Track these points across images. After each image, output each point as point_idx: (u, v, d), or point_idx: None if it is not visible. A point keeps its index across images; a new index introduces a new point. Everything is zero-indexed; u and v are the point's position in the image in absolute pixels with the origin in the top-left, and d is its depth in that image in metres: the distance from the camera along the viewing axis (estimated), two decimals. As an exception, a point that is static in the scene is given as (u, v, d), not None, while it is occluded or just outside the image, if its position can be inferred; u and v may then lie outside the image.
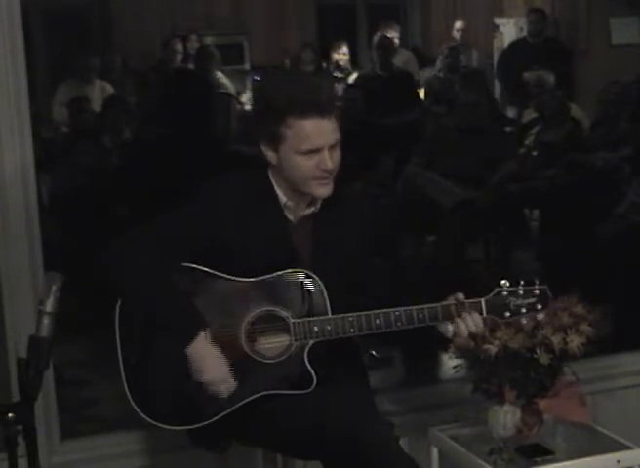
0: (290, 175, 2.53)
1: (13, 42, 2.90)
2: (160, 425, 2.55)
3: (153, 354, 2.55)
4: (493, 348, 2.75)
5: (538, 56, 7.58)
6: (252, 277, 2.53)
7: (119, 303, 2.54)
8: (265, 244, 2.54)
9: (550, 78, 7.07)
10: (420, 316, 2.54)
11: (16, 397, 2.19)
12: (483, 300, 2.58)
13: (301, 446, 2.51)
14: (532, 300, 2.60)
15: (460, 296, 2.57)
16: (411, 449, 2.58)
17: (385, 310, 2.53)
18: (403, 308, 2.54)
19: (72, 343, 4.43)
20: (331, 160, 2.49)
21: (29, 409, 2.09)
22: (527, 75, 7.39)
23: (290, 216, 2.60)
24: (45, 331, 2.14)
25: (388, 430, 2.50)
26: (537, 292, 2.60)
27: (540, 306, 2.60)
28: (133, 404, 2.54)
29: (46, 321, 2.14)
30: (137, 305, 2.53)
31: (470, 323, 2.55)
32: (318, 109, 2.45)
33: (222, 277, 2.53)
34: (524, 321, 2.62)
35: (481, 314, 2.57)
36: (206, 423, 2.52)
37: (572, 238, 5.41)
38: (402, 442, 2.54)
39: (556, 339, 2.76)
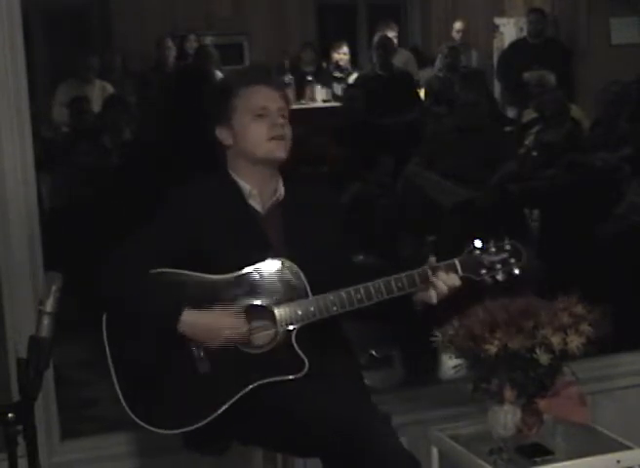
0: (246, 145, 2.64)
1: (13, 42, 2.91)
2: (156, 430, 2.56)
3: (145, 358, 2.56)
4: (493, 348, 2.75)
5: (538, 56, 7.58)
6: (231, 273, 2.55)
7: (105, 313, 2.59)
8: (238, 239, 2.59)
9: (551, 78, 7.07)
10: (399, 285, 2.57)
11: (16, 397, 2.19)
12: (456, 260, 2.62)
13: (300, 442, 2.51)
14: (504, 255, 2.64)
15: (433, 260, 2.60)
16: (411, 450, 2.57)
17: (364, 284, 2.56)
18: (381, 280, 2.57)
19: (72, 343, 4.42)
20: (280, 119, 2.63)
21: (29, 409, 2.10)
22: (528, 75, 7.39)
23: (258, 207, 2.66)
24: (45, 331, 2.14)
25: (387, 424, 2.52)
26: (508, 247, 2.66)
27: (513, 260, 2.64)
28: (129, 412, 2.55)
29: (46, 321, 2.15)
30: (122, 313, 2.58)
31: (446, 278, 2.57)
32: (261, 79, 2.71)
33: (201, 277, 2.56)
34: (499, 277, 2.63)
35: (457, 273, 2.60)
36: (204, 422, 2.52)
37: (572, 238, 5.41)
38: (402, 442, 2.54)
39: (556, 339, 2.75)
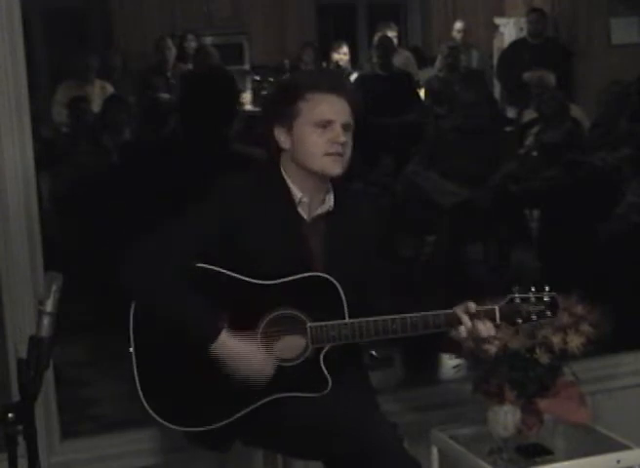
0: (303, 154, 2.55)
1: (13, 42, 2.91)
2: (175, 427, 2.53)
3: (167, 355, 2.53)
4: (493, 348, 2.75)
5: (538, 56, 7.58)
6: (266, 277, 2.52)
7: (133, 306, 2.53)
8: (280, 244, 2.54)
9: (551, 78, 7.07)
10: (437, 321, 2.55)
11: (16, 397, 2.19)
12: (497, 307, 2.58)
13: (305, 446, 2.52)
14: (542, 307, 2.60)
15: (472, 306, 2.56)
16: (411, 450, 2.57)
17: (402, 315, 2.53)
18: (420, 314, 2.54)
19: (72, 343, 4.43)
20: (343, 137, 2.55)
21: (29, 408, 2.09)
22: (528, 75, 7.39)
23: (304, 215, 2.60)
24: (45, 331, 2.14)
25: (392, 431, 2.50)
26: (547, 299, 2.61)
27: (549, 313, 2.61)
28: (148, 408, 2.52)
29: (46, 321, 2.14)
30: (157, 314, 2.51)
31: (482, 329, 2.56)
32: (333, 87, 2.58)
33: (241, 279, 2.52)
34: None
35: (494, 321, 2.57)
36: (221, 424, 2.51)
37: (572, 238, 5.41)
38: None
39: (556, 339, 2.76)
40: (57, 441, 3.14)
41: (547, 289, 2.62)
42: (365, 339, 2.54)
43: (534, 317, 2.59)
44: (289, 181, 2.59)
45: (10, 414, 2.06)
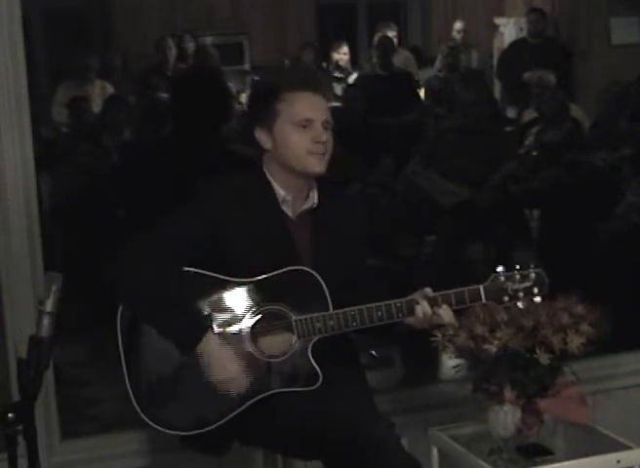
0: (285, 154, 2.57)
1: (13, 42, 2.91)
2: (164, 431, 2.54)
3: (157, 359, 2.54)
4: (493, 348, 2.74)
5: (538, 56, 7.58)
6: (253, 275, 2.53)
7: (120, 311, 2.55)
8: (265, 242, 2.56)
9: (552, 78, 7.07)
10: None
11: (16, 397, 2.19)
12: (481, 287, 2.61)
13: (302, 445, 2.51)
14: (528, 284, 2.63)
15: (429, 290, 2.59)
16: (411, 449, 2.57)
17: (387, 302, 2.54)
18: (404, 299, 2.56)
19: (72, 343, 4.43)
20: (325, 136, 2.56)
21: (29, 408, 2.09)
22: (528, 75, 7.39)
23: (289, 212, 2.62)
24: (45, 331, 2.14)
25: (389, 429, 2.51)
26: (533, 275, 2.64)
27: (536, 290, 2.63)
28: (139, 411, 2.53)
29: (46, 321, 2.15)
30: (145, 315, 2.53)
31: (444, 314, 2.58)
32: (309, 85, 2.59)
33: (224, 279, 2.53)
34: (520, 304, 2.64)
35: (480, 300, 2.60)
36: (212, 427, 2.51)
37: (572, 238, 5.41)
38: (402, 442, 2.54)
39: (556, 339, 2.75)
40: (57, 441, 3.14)
41: (533, 265, 2.63)
42: (351, 329, 2.54)
43: (521, 294, 2.61)
44: (272, 180, 2.61)
45: (10, 414, 2.06)
